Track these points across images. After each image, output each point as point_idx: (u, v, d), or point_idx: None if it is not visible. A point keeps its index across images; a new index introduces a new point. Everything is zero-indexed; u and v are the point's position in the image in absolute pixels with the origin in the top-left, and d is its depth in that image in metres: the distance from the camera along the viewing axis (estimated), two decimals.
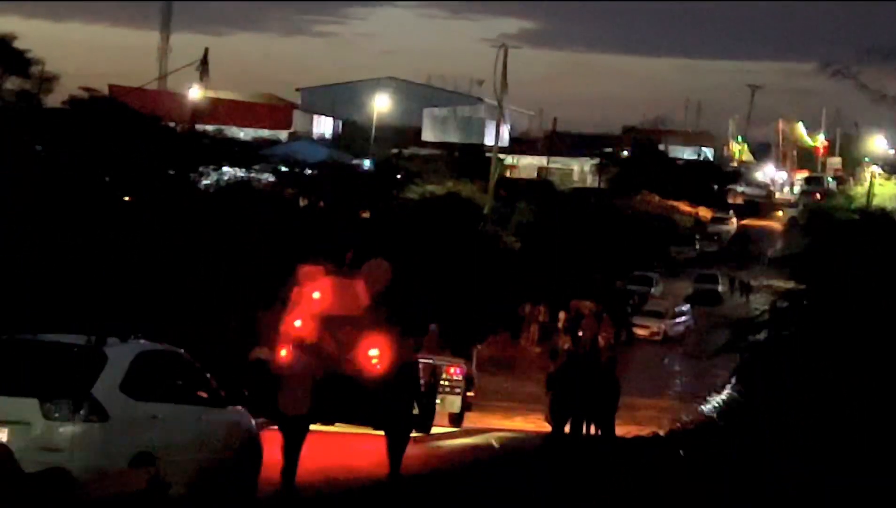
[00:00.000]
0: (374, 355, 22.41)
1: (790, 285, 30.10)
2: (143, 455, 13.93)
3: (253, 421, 16.72)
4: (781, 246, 73.64)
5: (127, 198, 32.54)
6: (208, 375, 15.88)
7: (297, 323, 22.96)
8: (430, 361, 26.95)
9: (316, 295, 23.26)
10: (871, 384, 16.06)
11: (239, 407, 16.34)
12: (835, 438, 14.50)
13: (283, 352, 21.11)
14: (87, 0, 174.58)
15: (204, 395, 15.55)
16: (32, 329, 15.09)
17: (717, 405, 35.97)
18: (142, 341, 15.15)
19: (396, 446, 18.91)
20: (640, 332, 55.04)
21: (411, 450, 19.41)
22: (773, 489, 13.65)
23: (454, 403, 28.72)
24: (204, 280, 28.52)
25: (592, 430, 26.52)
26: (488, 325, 46.18)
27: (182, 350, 15.71)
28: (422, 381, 23.11)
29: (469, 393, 29.58)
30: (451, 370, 28.71)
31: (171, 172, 36.57)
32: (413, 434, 20.33)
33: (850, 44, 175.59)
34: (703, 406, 37.06)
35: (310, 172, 48.97)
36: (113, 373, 13.95)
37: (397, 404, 19.49)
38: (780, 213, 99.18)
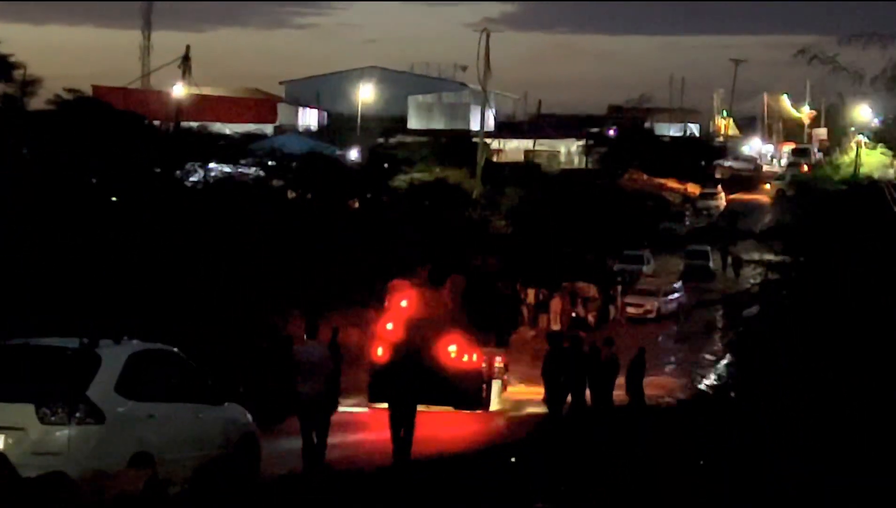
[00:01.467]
0: (453, 349, 28.18)
1: (780, 258, 30.15)
2: (141, 455, 13.95)
3: (249, 417, 16.75)
4: (770, 219, 73.60)
5: (114, 199, 32.47)
6: (204, 373, 15.90)
7: (389, 326, 28.79)
8: (489, 352, 31.56)
9: (404, 303, 28.98)
10: (863, 357, 16.09)
11: (235, 404, 16.37)
12: (828, 411, 14.54)
13: (379, 350, 27.66)
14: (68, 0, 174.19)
15: (200, 393, 15.57)
16: (26, 334, 15.09)
17: (712, 380, 36.17)
18: (135, 341, 15.16)
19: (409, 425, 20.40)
20: (633, 310, 55.09)
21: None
22: (770, 471, 13.69)
23: (496, 387, 31.89)
24: (198, 279, 28.52)
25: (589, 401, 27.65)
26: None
27: (175, 349, 15.71)
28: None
29: (504, 378, 32.84)
30: (497, 359, 31.86)
31: (158, 170, 36.47)
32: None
33: (830, 15, 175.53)
34: (699, 383, 37.28)
35: (296, 164, 48.87)
36: (107, 374, 13.96)
37: (468, 388, 28.07)
38: (766, 186, 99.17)
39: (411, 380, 20.50)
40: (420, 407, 22.61)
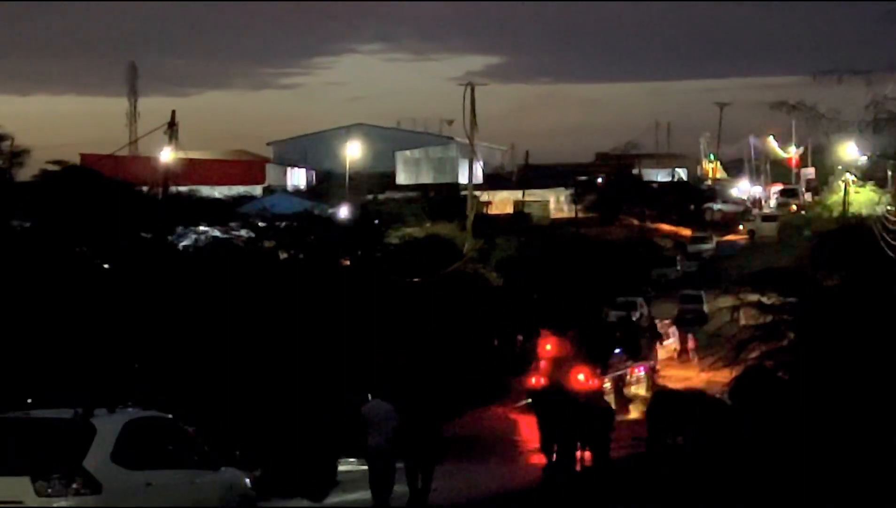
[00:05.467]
0: (581, 378, 35.77)
1: (772, 299, 30.19)
2: None
3: (247, 480, 16.68)
4: (753, 260, 73.43)
5: (106, 266, 32.40)
6: (199, 438, 15.83)
7: (541, 363, 38.51)
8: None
9: (548, 347, 38.66)
10: (863, 394, 16.06)
11: (232, 468, 16.29)
12: (832, 452, 14.47)
13: (533, 380, 36.73)
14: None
15: (196, 458, 15.50)
16: (21, 407, 15.03)
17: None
18: (130, 409, 15.10)
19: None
20: None
21: None
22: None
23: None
24: (195, 345, 28.39)
25: (587, 455, 28.47)
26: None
27: (170, 416, 15.65)
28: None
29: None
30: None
31: (148, 235, 36.43)
32: None
33: (813, 56, 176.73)
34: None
35: (285, 224, 48.86)
36: (103, 444, 13.88)
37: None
38: (740, 227, 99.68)
39: (426, 434, 21.38)
40: None
